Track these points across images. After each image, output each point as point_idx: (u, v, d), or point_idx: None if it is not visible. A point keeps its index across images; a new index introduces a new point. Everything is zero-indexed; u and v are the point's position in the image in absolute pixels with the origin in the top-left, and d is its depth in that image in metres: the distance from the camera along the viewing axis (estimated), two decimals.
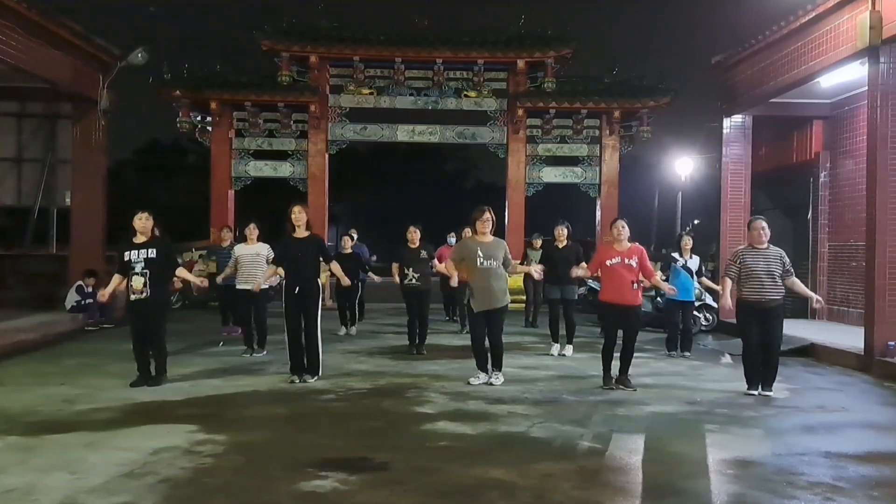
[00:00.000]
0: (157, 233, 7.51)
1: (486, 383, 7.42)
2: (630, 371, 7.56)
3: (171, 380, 7.58)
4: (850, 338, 10.02)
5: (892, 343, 8.85)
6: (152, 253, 7.22)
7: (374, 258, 14.46)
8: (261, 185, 18.24)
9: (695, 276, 9.95)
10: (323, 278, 8.06)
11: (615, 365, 7.49)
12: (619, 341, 7.50)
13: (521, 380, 7.84)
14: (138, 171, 36.34)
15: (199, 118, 17.35)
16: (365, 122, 17.82)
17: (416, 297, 9.79)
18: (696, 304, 11.73)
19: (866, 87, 9.68)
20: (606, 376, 7.49)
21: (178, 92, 16.46)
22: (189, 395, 6.90)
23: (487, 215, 7.38)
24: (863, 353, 9.16)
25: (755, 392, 7.19)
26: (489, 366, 7.54)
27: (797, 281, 7.35)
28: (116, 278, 7.45)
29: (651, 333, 11.19)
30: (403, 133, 17.94)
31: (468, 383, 7.47)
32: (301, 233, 7.60)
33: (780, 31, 11.60)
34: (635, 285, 7.36)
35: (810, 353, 10.07)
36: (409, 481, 4.46)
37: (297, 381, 7.49)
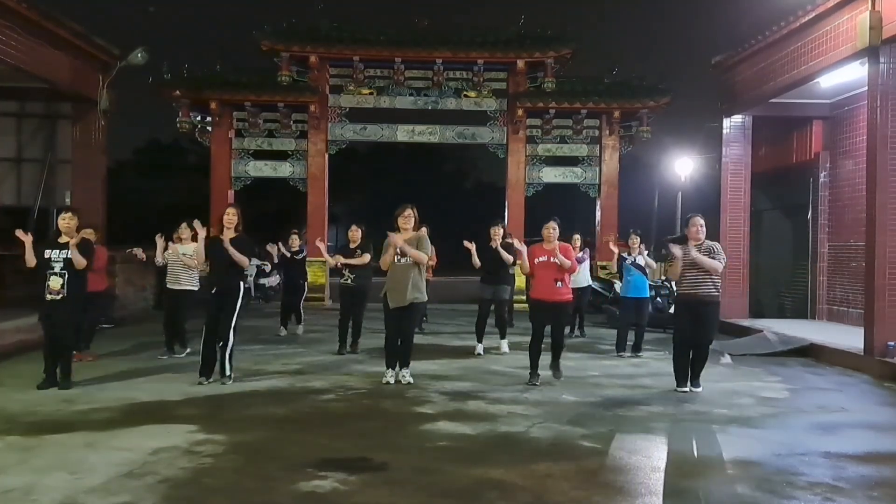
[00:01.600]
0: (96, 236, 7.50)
1: (395, 381, 7.50)
2: (630, 371, 7.56)
3: (170, 379, 7.61)
4: (849, 338, 10.01)
5: (892, 343, 8.85)
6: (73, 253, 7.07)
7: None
8: (261, 185, 18.23)
9: (647, 273, 10.16)
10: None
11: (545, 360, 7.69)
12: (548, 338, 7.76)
13: (521, 380, 7.84)
14: (138, 171, 36.37)
15: (199, 118, 17.33)
16: (365, 122, 17.81)
17: (350, 297, 9.79)
18: None
19: (866, 88, 9.68)
20: (533, 373, 7.65)
21: (177, 92, 16.45)
22: (188, 395, 6.90)
23: (409, 212, 7.54)
24: (862, 354, 9.16)
25: (685, 389, 7.31)
26: (397, 364, 7.65)
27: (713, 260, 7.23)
28: (30, 251, 7.17)
29: (650, 333, 11.17)
30: (403, 133, 17.93)
31: (381, 383, 7.51)
32: (229, 234, 7.52)
33: (780, 32, 11.60)
34: (559, 283, 7.59)
35: (810, 353, 10.07)
36: (409, 481, 4.47)
37: (205, 382, 7.39)
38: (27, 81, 12.64)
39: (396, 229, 7.58)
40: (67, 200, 14.61)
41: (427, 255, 7.62)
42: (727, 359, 9.47)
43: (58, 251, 7.14)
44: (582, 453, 5.15)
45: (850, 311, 12.51)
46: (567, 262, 7.58)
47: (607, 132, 17.85)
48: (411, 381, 7.51)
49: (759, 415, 6.48)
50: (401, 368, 7.63)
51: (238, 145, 17.53)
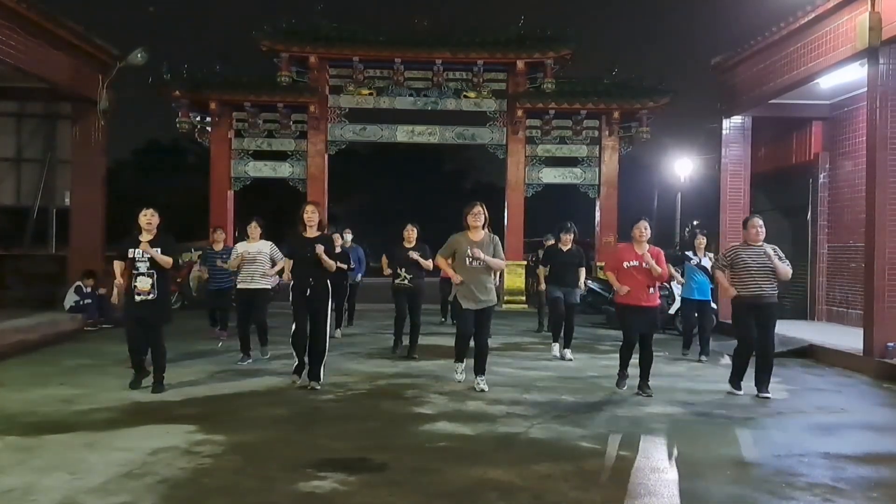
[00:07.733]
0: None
1: (472, 388, 7.19)
2: (629, 371, 7.46)
3: (170, 380, 7.58)
4: (849, 339, 10.03)
5: (891, 344, 8.87)
6: (159, 252, 6.85)
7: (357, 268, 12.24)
8: (260, 186, 18.23)
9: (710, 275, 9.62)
10: None
11: (633, 371, 7.39)
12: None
13: (521, 380, 7.84)
14: (138, 171, 36.34)
15: (198, 118, 17.34)
16: (364, 122, 17.82)
17: (408, 298, 9.51)
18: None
19: (866, 89, 9.69)
20: (622, 374, 7.40)
21: (177, 92, 16.45)
22: (188, 396, 6.89)
23: (478, 209, 7.17)
24: (862, 355, 9.17)
25: (740, 392, 7.23)
26: (473, 371, 7.31)
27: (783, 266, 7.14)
28: (120, 266, 6.95)
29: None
30: (403, 133, 17.94)
31: (456, 381, 7.43)
32: (312, 232, 7.30)
33: (780, 32, 11.61)
34: (651, 289, 7.25)
35: (809, 354, 10.08)
36: (409, 482, 4.47)
37: (299, 380, 7.37)
38: (27, 81, 12.64)
39: (466, 228, 7.21)
40: (67, 201, 14.64)
41: (504, 261, 7.37)
42: (727, 359, 9.46)
43: (141, 251, 6.82)
44: (582, 453, 5.15)
45: (850, 311, 12.52)
46: (658, 269, 7.18)
47: (607, 133, 17.86)
48: (486, 388, 7.14)
49: (758, 415, 6.48)
50: (476, 375, 7.27)
51: (237, 145, 17.55)
